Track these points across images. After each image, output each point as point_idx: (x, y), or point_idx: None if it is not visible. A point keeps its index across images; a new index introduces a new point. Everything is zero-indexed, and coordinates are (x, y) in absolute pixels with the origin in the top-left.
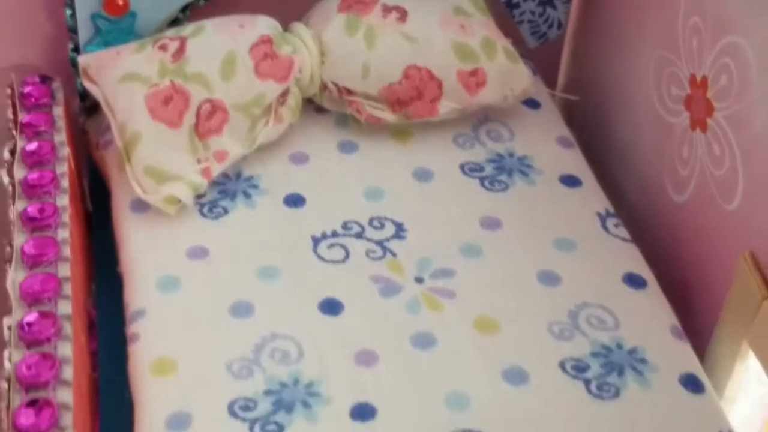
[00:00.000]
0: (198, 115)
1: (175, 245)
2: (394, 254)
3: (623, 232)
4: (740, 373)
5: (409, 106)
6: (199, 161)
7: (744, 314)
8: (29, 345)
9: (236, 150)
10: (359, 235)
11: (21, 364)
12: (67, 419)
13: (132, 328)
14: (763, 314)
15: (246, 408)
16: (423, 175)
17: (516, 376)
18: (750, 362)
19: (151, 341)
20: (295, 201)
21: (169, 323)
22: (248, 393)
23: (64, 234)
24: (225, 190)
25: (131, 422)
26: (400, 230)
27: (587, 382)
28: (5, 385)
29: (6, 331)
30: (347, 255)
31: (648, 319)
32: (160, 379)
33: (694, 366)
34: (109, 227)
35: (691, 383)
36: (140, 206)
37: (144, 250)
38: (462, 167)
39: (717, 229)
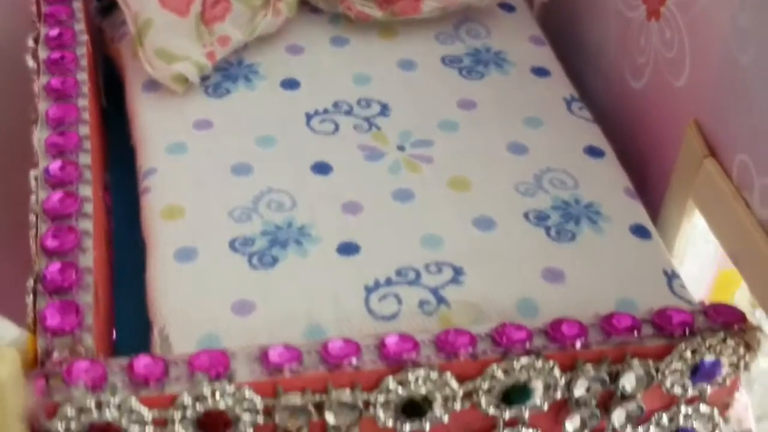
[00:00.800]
0: (204, 4)
1: (182, 118)
2: (378, 128)
3: (586, 113)
4: (687, 231)
5: (396, 4)
6: (204, 45)
7: (689, 174)
8: (53, 219)
9: (237, 37)
10: (348, 113)
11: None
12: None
13: (144, 184)
14: (704, 171)
15: (245, 244)
16: (407, 65)
17: (484, 223)
18: (695, 221)
19: (160, 193)
20: (290, 84)
21: (176, 178)
22: (247, 233)
23: (83, 102)
24: (228, 74)
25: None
26: (384, 109)
27: (547, 229)
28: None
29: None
30: (337, 128)
31: (604, 182)
32: (169, 222)
33: (643, 219)
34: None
35: (640, 231)
36: (151, 87)
37: (154, 123)
38: (443, 59)
39: (668, 105)
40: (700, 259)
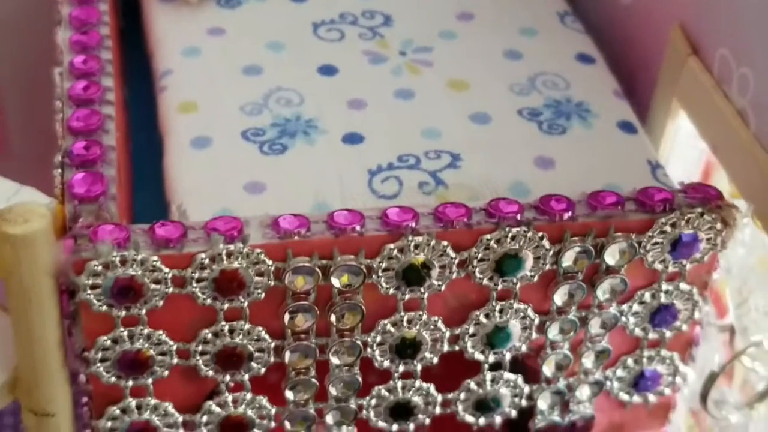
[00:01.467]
0: None
1: (196, 26)
2: (382, 36)
3: (578, 26)
4: (672, 132)
5: None
6: None
7: (673, 73)
8: (78, 104)
9: None
10: (353, 23)
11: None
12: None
13: (161, 84)
14: (688, 69)
15: (256, 134)
16: None
17: (480, 118)
18: (680, 122)
19: (176, 91)
20: None
21: (191, 78)
22: (258, 125)
23: (104, 6)
24: None
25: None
26: (388, 20)
27: (539, 123)
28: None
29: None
30: (342, 36)
31: (594, 84)
32: (184, 115)
33: (630, 116)
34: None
35: (626, 127)
36: None
37: (170, 30)
38: None
39: (654, 14)
40: (685, 163)
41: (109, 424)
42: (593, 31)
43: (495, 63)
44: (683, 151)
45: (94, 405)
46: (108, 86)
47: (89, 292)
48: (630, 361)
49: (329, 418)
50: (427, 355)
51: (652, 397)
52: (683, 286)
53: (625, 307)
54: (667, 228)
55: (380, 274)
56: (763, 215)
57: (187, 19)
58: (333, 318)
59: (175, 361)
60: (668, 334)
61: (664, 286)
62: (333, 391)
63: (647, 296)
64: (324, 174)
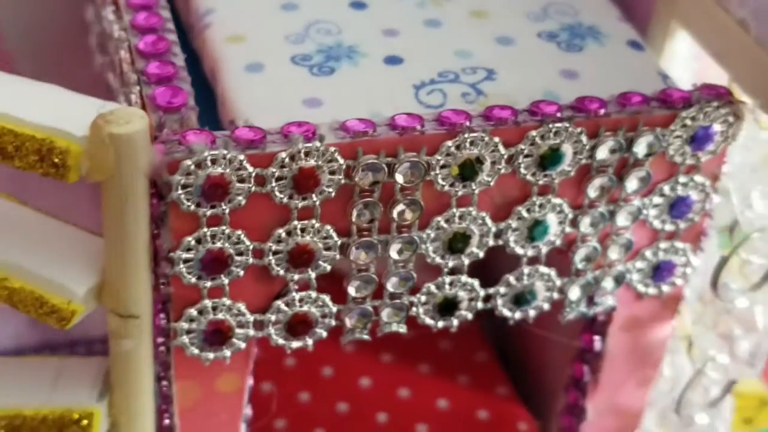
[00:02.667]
0: None
1: None
2: None
3: None
4: (669, 53)
5: None
6: None
7: None
8: (142, 32)
9: None
10: None
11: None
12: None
13: (204, 22)
14: None
15: (303, 59)
16: None
17: (505, 40)
18: (676, 44)
19: (221, 26)
20: None
21: (233, 14)
22: (304, 51)
23: None
24: None
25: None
26: None
27: (558, 43)
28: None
29: None
30: None
31: (600, 11)
32: (234, 45)
33: (636, 37)
34: None
35: (635, 45)
36: None
37: None
38: None
39: None
40: (681, 83)
41: (186, 325)
42: None
43: None
44: (679, 73)
45: (173, 307)
46: (167, 17)
47: (180, 191)
48: (648, 253)
49: (384, 315)
50: (474, 249)
51: (666, 288)
52: (698, 178)
53: (647, 200)
54: (688, 121)
55: (438, 170)
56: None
57: None
58: (395, 213)
59: (251, 260)
60: (682, 225)
61: (682, 179)
62: (390, 287)
63: (666, 189)
64: (373, 89)
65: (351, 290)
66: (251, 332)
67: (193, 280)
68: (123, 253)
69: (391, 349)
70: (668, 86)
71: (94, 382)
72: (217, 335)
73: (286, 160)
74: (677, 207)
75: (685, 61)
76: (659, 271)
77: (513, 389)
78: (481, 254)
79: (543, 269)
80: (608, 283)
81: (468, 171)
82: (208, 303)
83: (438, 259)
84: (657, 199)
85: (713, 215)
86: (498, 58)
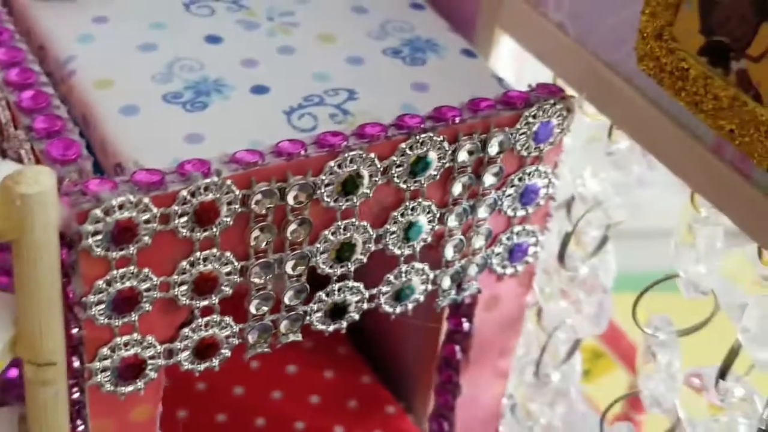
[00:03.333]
0: None
1: (79, 17)
2: (247, 7)
3: None
4: (494, 58)
5: None
6: None
7: (492, 8)
8: (18, 88)
9: None
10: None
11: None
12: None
13: (67, 69)
14: (506, 2)
15: (175, 97)
16: None
17: (356, 60)
18: (500, 49)
19: (86, 72)
20: None
21: (95, 60)
22: (174, 90)
23: None
24: None
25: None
26: None
27: (403, 59)
28: None
29: None
30: (213, 11)
31: (432, 26)
32: (103, 90)
33: (467, 46)
34: None
35: (469, 53)
36: None
37: (57, 23)
38: None
39: None
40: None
41: (100, 364)
42: None
43: (348, 18)
44: (504, 74)
45: (86, 349)
46: (38, 70)
47: (90, 239)
48: (504, 238)
49: (282, 327)
50: (359, 256)
51: (521, 267)
52: (542, 167)
53: (501, 191)
54: (530, 119)
55: (323, 189)
56: (591, 99)
57: (67, 12)
58: (288, 233)
59: (158, 294)
60: (531, 210)
61: (528, 170)
62: (287, 300)
63: (516, 180)
64: (247, 119)
65: (252, 308)
66: (162, 362)
67: (105, 320)
68: (39, 304)
69: (256, 355)
70: (504, 88)
71: (10, 429)
72: (131, 369)
73: (188, 197)
74: (526, 194)
75: (509, 61)
76: (514, 253)
77: (376, 377)
78: (365, 259)
79: (418, 265)
80: (473, 270)
81: (350, 186)
82: (119, 340)
83: (327, 269)
84: (509, 190)
85: (555, 197)
86: (354, 78)
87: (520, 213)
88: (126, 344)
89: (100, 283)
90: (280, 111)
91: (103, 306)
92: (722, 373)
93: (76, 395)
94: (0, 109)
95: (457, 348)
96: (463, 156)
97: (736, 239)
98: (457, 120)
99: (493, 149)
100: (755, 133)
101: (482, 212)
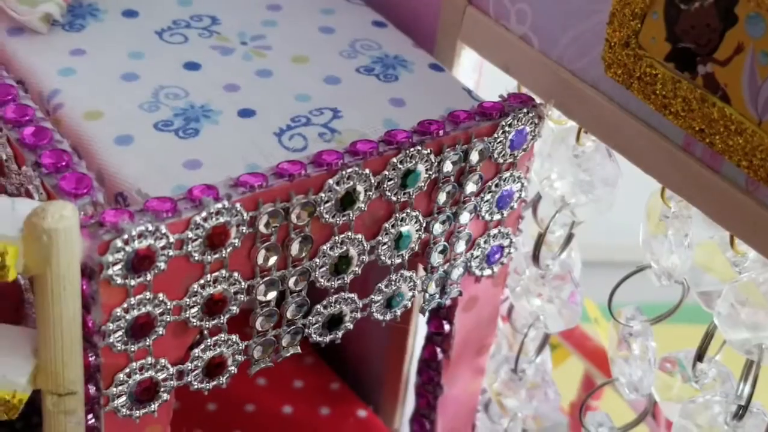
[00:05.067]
0: None
1: (57, 50)
2: (219, 33)
3: (360, 2)
4: (458, 67)
5: None
6: None
7: (455, 23)
8: (15, 125)
9: None
10: (188, 26)
11: None
12: None
13: (54, 103)
14: (468, 17)
15: (166, 125)
16: None
17: (333, 80)
18: (462, 61)
19: (74, 104)
20: (131, 13)
21: (81, 92)
22: (163, 118)
23: None
24: (75, 13)
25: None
26: (214, 20)
27: (377, 76)
28: None
29: None
30: (186, 39)
31: (397, 42)
32: (94, 121)
33: (434, 60)
34: None
35: (436, 67)
36: (16, 32)
37: (36, 57)
38: None
39: None
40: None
41: (117, 390)
42: (373, 5)
43: (318, 38)
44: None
45: (103, 376)
46: (35, 106)
47: (111, 269)
48: (482, 242)
49: (284, 341)
50: (355, 268)
51: (496, 268)
52: (516, 172)
53: (479, 198)
54: (507, 128)
55: (323, 206)
56: (559, 105)
57: (45, 45)
58: (292, 250)
59: (171, 318)
60: (506, 213)
61: (504, 175)
62: (289, 315)
63: (493, 186)
64: (241, 143)
65: (257, 325)
66: (174, 383)
67: (122, 347)
68: (62, 336)
69: None
70: (474, 99)
71: None
72: (146, 392)
73: (200, 222)
74: (502, 199)
75: (469, 73)
76: (491, 255)
77: (344, 383)
78: (359, 271)
79: (406, 273)
80: (456, 273)
81: (347, 202)
82: (135, 365)
83: (326, 283)
84: (487, 196)
85: (527, 201)
86: (335, 97)
87: (497, 217)
88: (141, 368)
89: (118, 311)
90: (271, 133)
91: (120, 333)
92: (699, 356)
93: (91, 421)
94: (0, 147)
95: (438, 349)
96: (447, 166)
97: (708, 230)
98: (441, 133)
99: (474, 158)
100: (725, 131)
101: (464, 218)
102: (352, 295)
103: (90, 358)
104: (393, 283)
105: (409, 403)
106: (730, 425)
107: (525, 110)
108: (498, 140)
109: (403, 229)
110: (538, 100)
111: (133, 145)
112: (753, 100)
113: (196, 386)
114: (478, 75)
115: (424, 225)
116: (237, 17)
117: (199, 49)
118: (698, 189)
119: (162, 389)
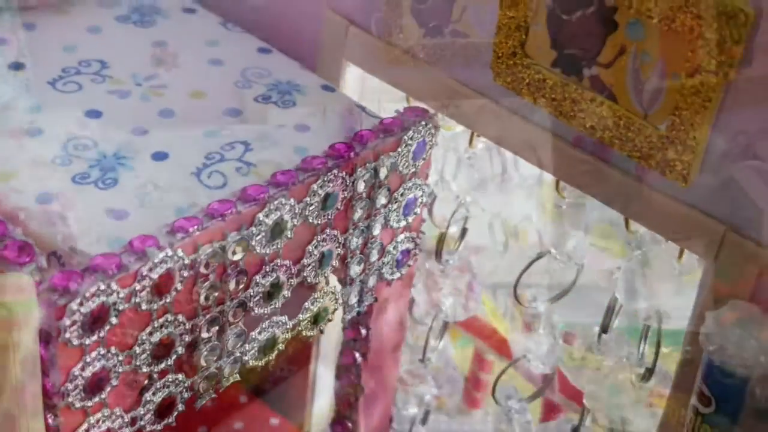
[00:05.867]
0: None
1: None
2: (111, 77)
3: (239, 29)
4: (344, 84)
5: None
6: None
7: (337, 41)
8: None
9: None
10: (78, 73)
11: None
12: None
13: None
14: (350, 36)
15: (83, 177)
16: (94, 30)
17: (236, 112)
18: (347, 77)
19: None
20: (17, 66)
21: None
22: (79, 171)
23: None
24: None
25: None
26: (104, 65)
27: (275, 103)
28: None
29: None
30: (80, 86)
31: (284, 67)
32: (9, 182)
33: (324, 81)
34: None
35: (328, 88)
36: None
37: None
38: (116, 19)
39: (302, 7)
40: None
41: None
42: (256, 29)
43: (209, 71)
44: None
45: None
46: None
47: (68, 332)
48: (392, 248)
49: (225, 372)
50: (285, 292)
51: (404, 271)
52: (417, 180)
53: (387, 208)
54: (409, 141)
55: (256, 239)
56: (452, 114)
57: None
58: (230, 285)
59: (122, 368)
60: (411, 219)
61: (408, 184)
62: (230, 346)
63: (399, 196)
64: (162, 187)
65: (202, 361)
66: (129, 430)
67: (80, 404)
68: (25, 404)
69: None
70: (369, 115)
71: None
72: None
73: (146, 273)
74: (407, 207)
75: (354, 90)
76: (400, 259)
77: (252, 394)
78: (288, 294)
79: (329, 288)
80: (372, 281)
81: (276, 232)
82: (92, 419)
83: (260, 310)
84: (394, 206)
85: (428, 204)
86: (242, 129)
87: (403, 223)
88: (97, 421)
89: (75, 370)
90: (188, 173)
91: (78, 391)
92: (604, 328)
93: None
94: None
95: (357, 354)
96: (360, 185)
97: (602, 215)
98: (353, 154)
99: (383, 174)
100: (614, 126)
101: (376, 230)
102: (282, 317)
103: (49, 420)
104: (317, 300)
105: (317, 407)
106: (636, 385)
107: (423, 122)
108: (402, 154)
109: (325, 249)
110: (431, 111)
111: (55, 202)
112: (638, 96)
113: (148, 429)
114: (361, 88)
115: (342, 242)
116: (125, 59)
117: (96, 96)
118: (591, 179)
119: None
